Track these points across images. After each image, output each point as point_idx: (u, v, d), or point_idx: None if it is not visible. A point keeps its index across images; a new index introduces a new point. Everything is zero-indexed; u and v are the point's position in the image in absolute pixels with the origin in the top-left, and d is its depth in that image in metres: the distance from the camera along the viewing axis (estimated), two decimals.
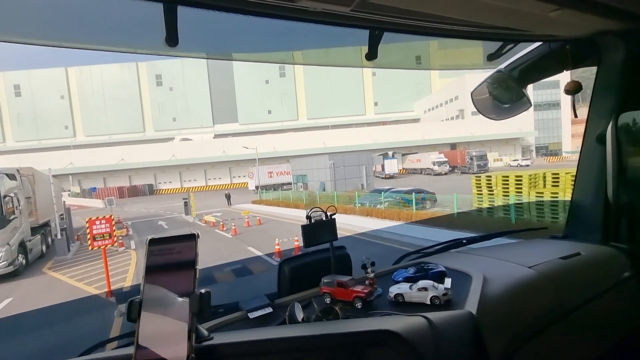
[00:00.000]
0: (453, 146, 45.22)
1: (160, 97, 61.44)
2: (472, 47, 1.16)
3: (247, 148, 29.62)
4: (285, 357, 0.79)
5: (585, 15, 1.01)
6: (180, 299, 0.69)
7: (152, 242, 0.75)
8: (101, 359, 0.80)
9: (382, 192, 16.38)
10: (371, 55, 0.95)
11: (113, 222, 7.96)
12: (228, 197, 25.11)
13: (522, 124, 43.32)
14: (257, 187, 26.58)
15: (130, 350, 0.68)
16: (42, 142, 57.93)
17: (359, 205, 16.22)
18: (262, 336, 0.85)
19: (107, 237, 7.71)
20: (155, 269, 0.72)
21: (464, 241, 1.65)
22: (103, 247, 7.77)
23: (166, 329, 0.68)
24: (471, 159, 35.23)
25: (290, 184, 30.63)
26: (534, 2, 0.85)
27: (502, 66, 1.24)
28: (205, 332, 0.78)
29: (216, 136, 55.06)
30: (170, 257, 0.73)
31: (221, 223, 15.01)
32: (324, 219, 1.23)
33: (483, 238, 1.74)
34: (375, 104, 60.87)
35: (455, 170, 37.56)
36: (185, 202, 19.79)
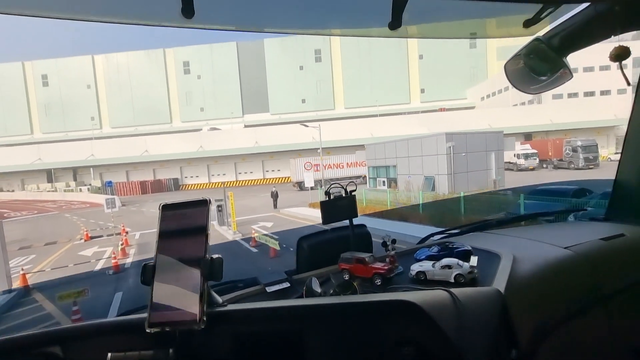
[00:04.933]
0: (527, 136, 36.33)
1: (188, 86, 55.29)
2: (506, 13, 0.98)
3: (306, 126, 21.98)
4: (298, 324, 0.76)
5: None
6: (191, 264, 0.69)
7: (165, 207, 0.74)
8: (118, 322, 0.80)
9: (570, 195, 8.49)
10: (395, 24, 0.84)
11: None
12: (275, 196, 17.70)
13: (618, 110, 33.91)
14: (316, 183, 18.85)
15: (143, 314, 0.68)
16: (69, 134, 53.40)
17: None
18: (277, 305, 0.82)
19: None
20: (168, 234, 0.72)
21: (493, 222, 1.50)
22: None
23: (178, 293, 0.67)
24: (574, 150, 26.47)
25: (359, 177, 22.95)
26: None
27: (541, 34, 1.03)
28: (219, 299, 0.78)
29: (247, 126, 48.38)
30: (183, 223, 0.72)
31: None
32: (343, 195, 1.15)
33: (514, 220, 1.64)
34: (422, 91, 52.25)
35: (544, 165, 28.97)
36: (219, 207, 12.61)
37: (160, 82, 55.11)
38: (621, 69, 0.98)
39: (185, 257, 0.70)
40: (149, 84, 54.55)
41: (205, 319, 0.66)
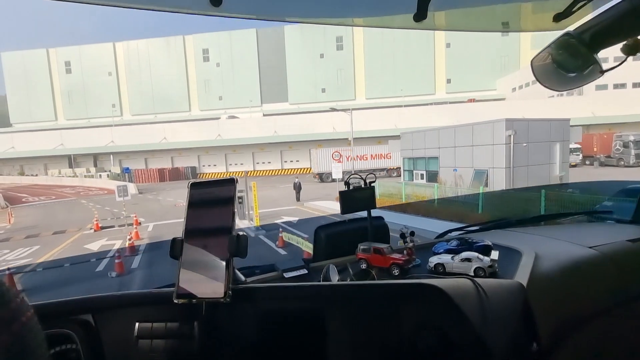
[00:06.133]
0: None
1: (207, 74, 54.15)
2: (536, 6, 0.97)
3: (335, 110, 20.08)
4: (318, 303, 0.77)
5: None
6: (218, 240, 0.70)
7: (194, 185, 0.76)
8: (147, 294, 0.82)
9: None
10: (420, 15, 0.80)
11: None
12: (298, 187, 16.19)
13: None
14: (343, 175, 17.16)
15: (170, 288, 0.71)
16: (90, 121, 53.54)
17: None
18: (298, 284, 0.83)
19: None
20: (196, 211, 0.73)
21: (514, 221, 1.48)
22: None
23: (205, 267, 0.69)
24: (625, 145, 23.73)
25: (384, 170, 21.22)
26: None
27: (571, 28, 0.98)
28: (242, 277, 0.79)
29: (265, 115, 46.98)
30: (210, 200, 0.73)
31: None
32: (362, 186, 1.15)
33: (535, 219, 1.57)
34: (448, 81, 49.34)
35: (587, 162, 26.29)
36: (239, 199, 11.16)
37: (180, 69, 54.26)
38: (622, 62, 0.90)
39: (212, 234, 0.71)
40: (168, 71, 53.82)
41: (230, 293, 0.67)
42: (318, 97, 51.22)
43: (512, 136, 10.99)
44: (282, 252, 7.35)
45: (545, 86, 1.05)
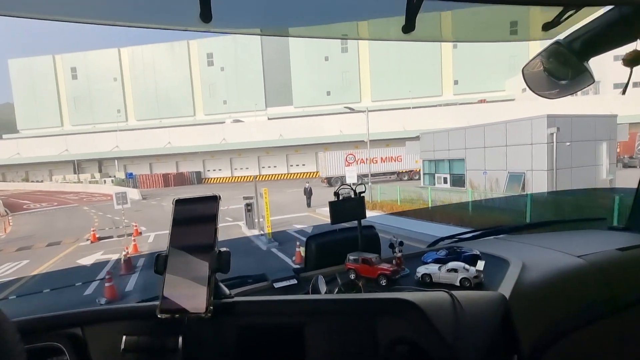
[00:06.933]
0: None
1: (211, 78, 53.54)
2: (524, 16, 0.95)
3: (351, 110, 18.93)
4: (300, 318, 0.79)
5: None
6: (201, 256, 0.72)
7: (178, 202, 0.77)
8: (133, 308, 0.84)
9: None
10: (408, 27, 0.80)
11: None
12: (309, 193, 15.14)
13: None
14: (358, 179, 16.06)
15: (157, 302, 0.72)
16: (96, 127, 53.09)
17: None
18: (280, 299, 0.85)
19: None
20: (180, 228, 0.75)
21: (507, 228, 1.49)
22: None
23: (188, 283, 0.71)
24: None
25: (393, 174, 19.99)
26: None
27: (561, 37, 1.00)
28: (227, 291, 0.80)
29: (270, 119, 46.10)
30: (194, 217, 0.75)
31: None
32: (352, 196, 1.14)
33: (528, 227, 1.60)
34: (455, 82, 48.19)
35: None
36: (248, 206, 10.10)
37: (184, 74, 53.73)
38: (630, 75, 0.91)
39: (196, 250, 0.72)
40: (173, 76, 53.31)
41: (212, 308, 0.68)
42: (323, 100, 50.30)
43: (554, 134, 9.81)
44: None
45: (537, 94, 1.01)
